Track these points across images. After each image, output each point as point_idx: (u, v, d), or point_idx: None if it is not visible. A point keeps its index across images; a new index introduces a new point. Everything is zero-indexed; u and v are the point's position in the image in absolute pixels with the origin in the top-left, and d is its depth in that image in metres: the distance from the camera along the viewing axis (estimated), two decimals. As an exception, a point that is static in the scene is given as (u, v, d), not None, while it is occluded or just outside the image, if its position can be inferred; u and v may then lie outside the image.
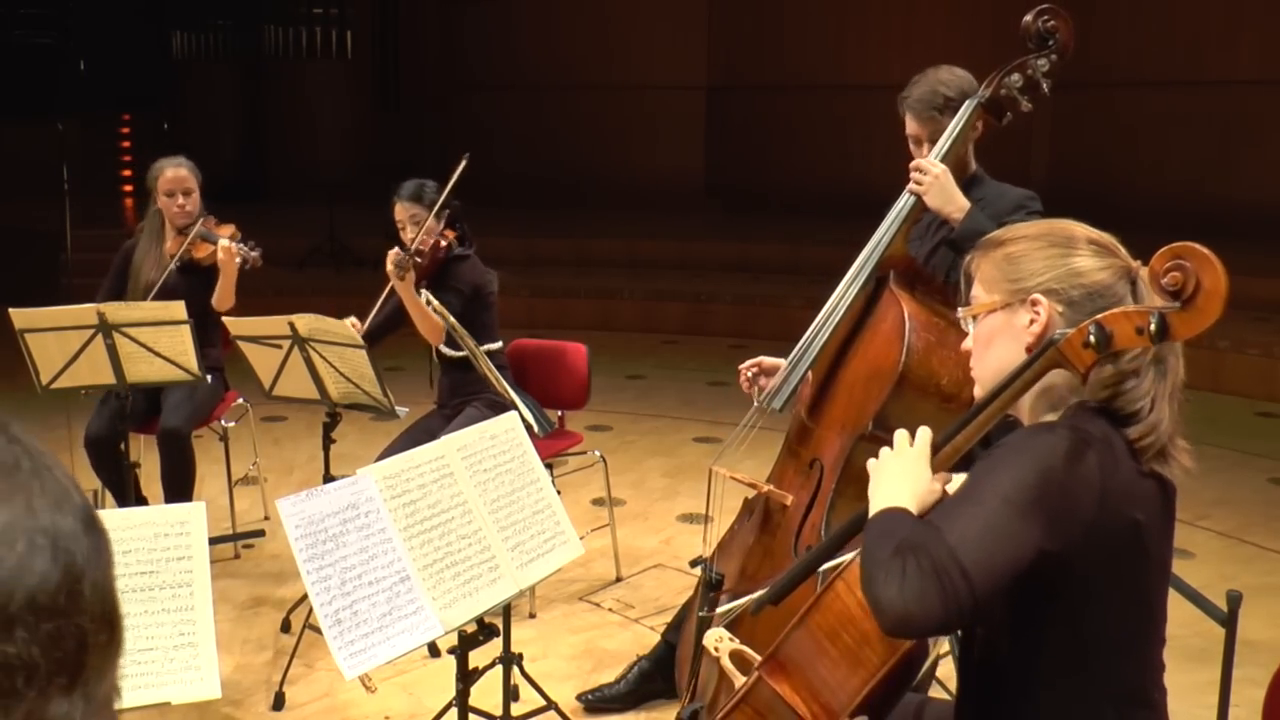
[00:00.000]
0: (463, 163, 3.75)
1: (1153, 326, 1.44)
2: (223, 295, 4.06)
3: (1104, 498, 1.48)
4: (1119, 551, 1.52)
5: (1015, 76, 2.81)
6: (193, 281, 4.08)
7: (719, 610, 2.25)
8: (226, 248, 3.98)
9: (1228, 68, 9.56)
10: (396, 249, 3.76)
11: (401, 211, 3.88)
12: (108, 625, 0.68)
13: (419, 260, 3.76)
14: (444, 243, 3.86)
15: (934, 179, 2.75)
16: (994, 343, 1.66)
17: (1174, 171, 9.70)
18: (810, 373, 2.84)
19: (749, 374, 3.00)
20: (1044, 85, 2.79)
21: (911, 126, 2.96)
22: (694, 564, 2.97)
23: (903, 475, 1.61)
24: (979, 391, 1.68)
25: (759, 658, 1.74)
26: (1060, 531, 1.46)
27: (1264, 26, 9.42)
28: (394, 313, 3.93)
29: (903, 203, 2.82)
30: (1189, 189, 9.50)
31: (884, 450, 1.67)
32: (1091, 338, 1.47)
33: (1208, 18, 9.64)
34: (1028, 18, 2.79)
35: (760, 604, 1.85)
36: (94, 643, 0.67)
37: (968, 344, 1.71)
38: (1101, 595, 1.53)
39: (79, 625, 0.66)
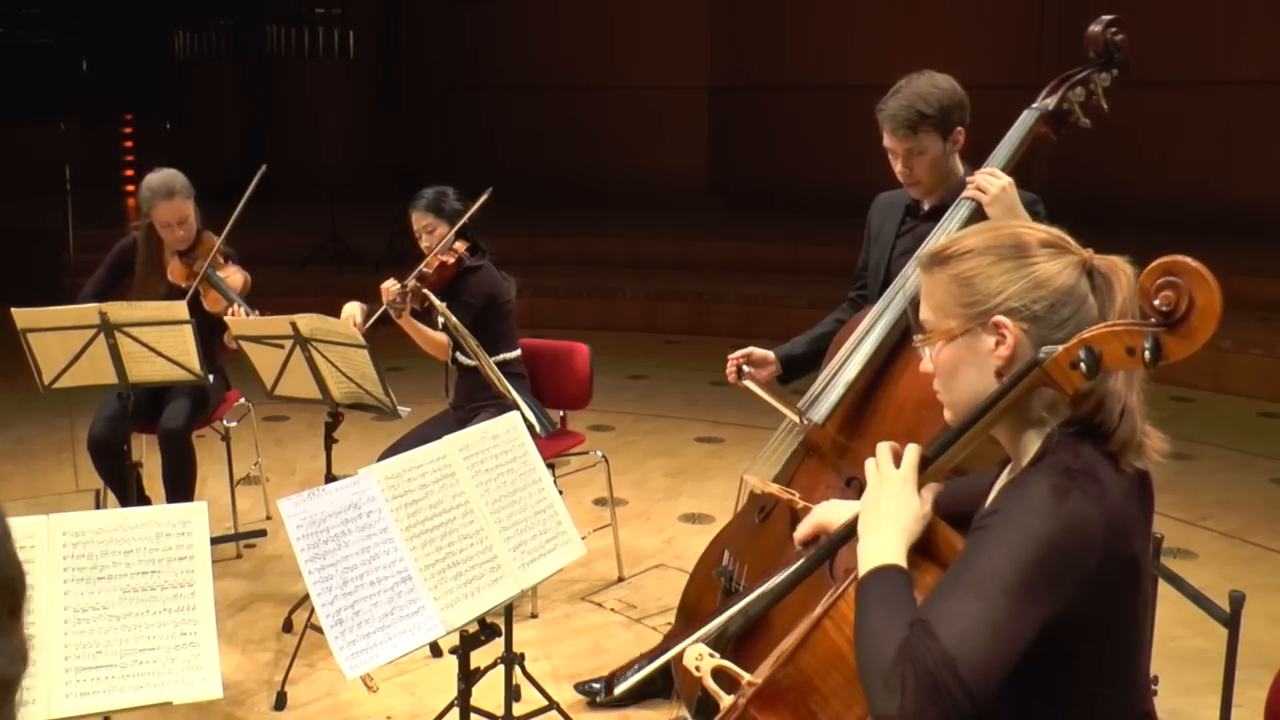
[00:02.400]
0: (485, 195, 3.72)
1: (1148, 353, 1.37)
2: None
3: (1105, 541, 1.43)
4: (1120, 590, 1.48)
5: (1079, 90, 2.66)
6: (198, 309, 3.92)
7: (704, 630, 2.20)
8: (235, 315, 3.83)
9: (1230, 68, 9.56)
10: (391, 281, 3.72)
11: (418, 220, 3.88)
12: (24, 580, 0.86)
13: (419, 285, 3.71)
14: (452, 259, 3.83)
15: (1001, 190, 2.60)
16: (959, 371, 1.57)
17: (1176, 171, 9.70)
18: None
19: (737, 364, 3.00)
20: (1103, 101, 2.64)
21: (888, 140, 2.82)
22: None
23: (893, 511, 1.54)
24: (950, 416, 1.61)
25: (745, 674, 1.70)
26: (1064, 594, 1.41)
27: (1266, 26, 9.42)
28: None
29: (958, 213, 2.67)
30: (1191, 189, 9.50)
31: (869, 472, 1.60)
32: (1081, 363, 1.40)
33: (1210, 18, 9.63)
34: (1095, 27, 2.63)
35: (746, 621, 1.81)
36: (21, 589, 0.84)
37: (926, 366, 1.62)
38: (1098, 634, 1.49)
39: (11, 575, 0.84)
